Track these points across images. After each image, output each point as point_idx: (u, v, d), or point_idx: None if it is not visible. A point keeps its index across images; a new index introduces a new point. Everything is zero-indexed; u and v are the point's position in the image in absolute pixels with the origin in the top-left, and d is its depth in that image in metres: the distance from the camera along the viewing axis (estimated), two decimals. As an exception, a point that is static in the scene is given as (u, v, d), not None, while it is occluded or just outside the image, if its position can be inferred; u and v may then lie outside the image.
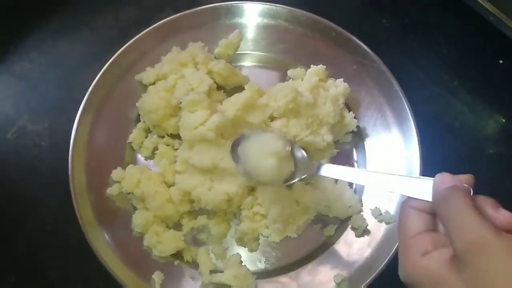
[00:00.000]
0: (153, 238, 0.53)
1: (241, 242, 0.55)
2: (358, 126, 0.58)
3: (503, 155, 0.61)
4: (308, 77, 0.58)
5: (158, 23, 0.61)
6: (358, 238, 0.54)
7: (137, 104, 0.58)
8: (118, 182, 0.55)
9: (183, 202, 0.54)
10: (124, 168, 0.56)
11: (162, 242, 0.53)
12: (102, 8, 0.69)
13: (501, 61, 0.65)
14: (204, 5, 0.63)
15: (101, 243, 0.52)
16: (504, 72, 0.64)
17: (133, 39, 0.60)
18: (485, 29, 0.62)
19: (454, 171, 0.58)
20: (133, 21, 0.68)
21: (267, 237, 0.54)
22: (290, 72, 0.61)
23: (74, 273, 0.55)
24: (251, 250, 0.55)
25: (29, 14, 0.68)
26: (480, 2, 0.61)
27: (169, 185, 0.55)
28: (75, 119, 0.56)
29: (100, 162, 0.57)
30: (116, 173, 0.55)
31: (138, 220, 0.53)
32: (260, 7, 0.63)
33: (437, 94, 0.64)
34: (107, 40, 0.66)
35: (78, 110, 0.57)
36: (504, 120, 0.62)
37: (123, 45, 0.60)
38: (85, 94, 0.57)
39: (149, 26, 0.61)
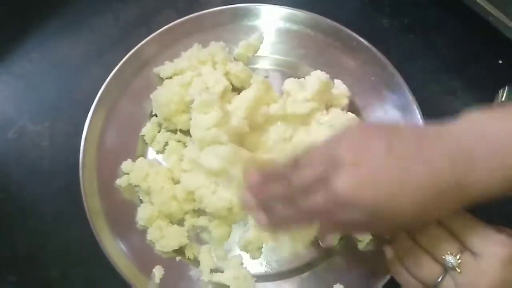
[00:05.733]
0: (156, 233, 0.53)
1: (244, 249, 0.54)
2: None
3: None
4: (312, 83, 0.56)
5: (181, 19, 0.61)
6: (361, 250, 0.53)
7: (151, 96, 0.58)
8: (127, 174, 0.56)
9: (187, 201, 0.55)
10: (134, 160, 0.56)
11: (165, 237, 0.53)
12: (102, 8, 0.69)
13: (500, 61, 0.65)
14: (205, 5, 0.63)
15: (106, 233, 0.53)
16: (504, 72, 0.65)
17: (155, 33, 0.60)
18: (485, 29, 0.62)
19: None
20: (133, 21, 0.68)
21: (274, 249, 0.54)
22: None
23: (74, 273, 0.55)
24: (253, 258, 0.54)
25: (29, 14, 0.68)
26: (480, 2, 0.61)
27: (176, 182, 0.56)
28: (75, 119, 0.56)
29: (112, 152, 0.57)
30: (126, 165, 0.56)
31: (143, 213, 0.54)
32: (282, 11, 0.63)
33: (436, 94, 0.64)
34: (107, 40, 0.66)
35: (78, 110, 0.57)
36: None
37: (123, 45, 0.60)
38: (85, 94, 0.57)
39: (150, 26, 0.61)
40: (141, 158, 0.57)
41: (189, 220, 0.55)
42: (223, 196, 0.52)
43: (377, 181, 0.36)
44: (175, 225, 0.55)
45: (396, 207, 0.36)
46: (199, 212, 0.55)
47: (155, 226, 0.54)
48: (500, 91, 0.42)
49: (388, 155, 0.36)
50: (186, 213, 0.56)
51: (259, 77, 0.57)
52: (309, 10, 0.63)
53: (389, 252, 0.46)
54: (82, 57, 0.66)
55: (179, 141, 0.59)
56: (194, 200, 0.55)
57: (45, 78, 0.65)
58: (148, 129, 0.59)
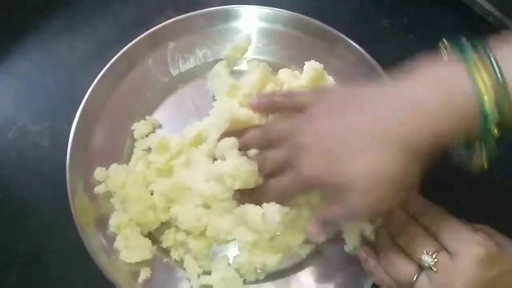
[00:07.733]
0: (122, 242, 0.52)
1: (239, 273, 0.52)
2: None
3: (503, 155, 0.61)
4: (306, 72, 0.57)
5: (168, 21, 0.61)
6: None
7: None
8: (103, 181, 0.55)
9: (165, 210, 0.53)
10: (122, 163, 0.56)
11: (129, 248, 0.52)
12: (102, 8, 0.69)
13: (500, 61, 0.65)
14: (205, 5, 0.63)
15: (93, 240, 0.52)
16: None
17: (140, 36, 0.60)
18: (485, 30, 0.62)
19: (455, 171, 0.59)
20: (133, 21, 0.67)
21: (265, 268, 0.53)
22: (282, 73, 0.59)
23: (74, 273, 0.55)
24: (250, 282, 0.52)
25: (29, 14, 0.68)
26: (480, 2, 0.61)
27: (150, 190, 0.54)
28: (75, 119, 0.56)
29: (99, 153, 0.57)
30: (99, 172, 0.55)
31: (115, 220, 0.52)
32: (271, 12, 0.63)
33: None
34: (107, 40, 0.66)
35: (78, 110, 0.57)
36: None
37: (124, 45, 0.60)
38: (85, 94, 0.57)
39: (150, 26, 0.61)
40: (114, 164, 0.55)
41: (168, 237, 0.53)
42: (198, 214, 0.52)
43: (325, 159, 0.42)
44: (143, 237, 0.53)
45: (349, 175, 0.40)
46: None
47: (122, 235, 0.52)
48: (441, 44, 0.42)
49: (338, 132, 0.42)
50: (164, 223, 0.54)
51: (254, 63, 0.57)
52: (308, 11, 0.63)
53: (362, 253, 0.47)
54: (82, 57, 0.66)
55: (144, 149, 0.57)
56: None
57: (45, 78, 0.65)
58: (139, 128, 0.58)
